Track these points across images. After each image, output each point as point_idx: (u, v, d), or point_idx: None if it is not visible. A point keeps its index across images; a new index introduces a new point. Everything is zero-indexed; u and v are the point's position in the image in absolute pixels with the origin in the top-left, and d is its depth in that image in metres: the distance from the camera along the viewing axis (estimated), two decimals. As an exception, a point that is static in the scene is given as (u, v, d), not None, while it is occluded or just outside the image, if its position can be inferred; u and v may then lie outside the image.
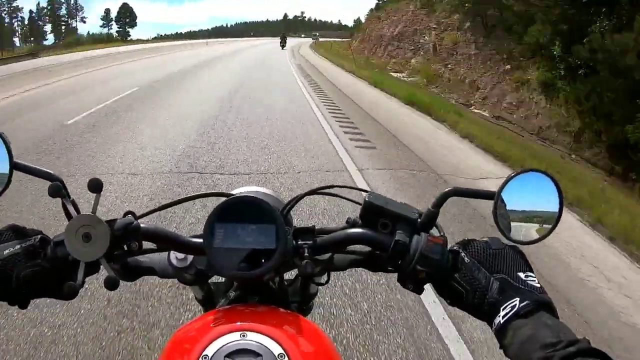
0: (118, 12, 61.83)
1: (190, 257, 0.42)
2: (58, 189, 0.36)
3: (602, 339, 1.41)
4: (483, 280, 0.34)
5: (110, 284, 0.35)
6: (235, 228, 0.38)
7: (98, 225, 0.35)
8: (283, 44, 22.33)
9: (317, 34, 33.16)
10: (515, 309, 0.32)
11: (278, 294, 0.45)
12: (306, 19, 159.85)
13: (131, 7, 63.26)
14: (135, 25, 62.47)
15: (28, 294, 0.36)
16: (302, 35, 32.57)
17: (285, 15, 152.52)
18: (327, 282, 0.46)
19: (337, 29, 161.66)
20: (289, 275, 0.46)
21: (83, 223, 0.35)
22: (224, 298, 0.44)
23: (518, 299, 0.32)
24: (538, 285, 0.34)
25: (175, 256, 0.42)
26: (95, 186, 0.36)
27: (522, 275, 0.34)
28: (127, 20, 61.55)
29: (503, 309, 0.33)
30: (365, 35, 18.28)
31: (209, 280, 0.46)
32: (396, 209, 0.40)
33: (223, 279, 0.47)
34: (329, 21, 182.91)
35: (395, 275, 0.39)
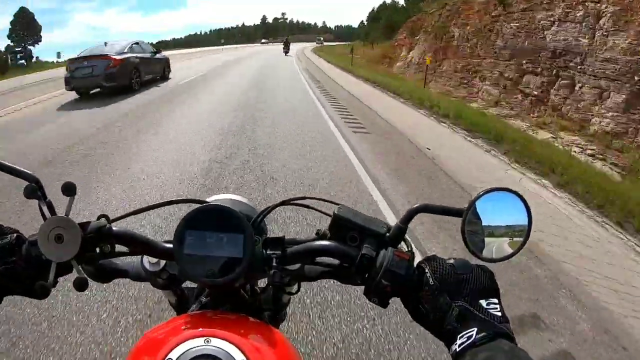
0: (13, 23, 41.79)
1: (163, 262, 0.48)
2: (34, 191, 0.43)
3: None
4: (444, 306, 0.39)
5: (79, 285, 0.42)
6: (205, 236, 0.44)
7: (70, 227, 0.42)
8: (286, 50, 23.71)
9: (322, 37, 34.31)
10: (472, 339, 0.36)
11: (250, 302, 0.52)
12: (287, 20, 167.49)
13: (32, 14, 43.34)
14: (40, 41, 43.01)
15: (1, 291, 0.42)
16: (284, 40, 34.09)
17: (264, 18, 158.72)
18: (297, 291, 0.54)
19: (322, 31, 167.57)
20: (262, 283, 0.52)
21: (56, 225, 0.41)
22: (195, 303, 0.50)
23: (476, 329, 0.37)
24: (499, 314, 0.38)
25: (148, 260, 0.49)
26: (69, 189, 0.43)
27: (484, 303, 0.39)
28: (25, 34, 41.30)
29: (460, 337, 0.37)
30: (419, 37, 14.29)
31: (183, 285, 0.53)
32: (365, 222, 0.46)
33: (196, 285, 0.54)
34: (313, 23, 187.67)
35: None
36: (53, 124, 5.11)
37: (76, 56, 7.04)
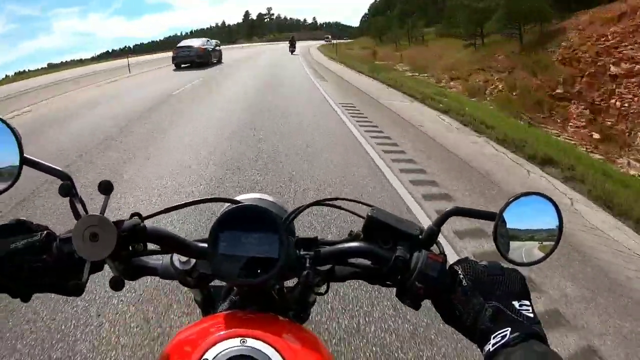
0: None
1: (193, 261, 0.57)
2: (68, 189, 0.51)
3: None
4: (477, 306, 0.46)
5: (116, 284, 0.50)
6: (239, 235, 0.52)
7: (106, 226, 0.48)
8: (292, 49, 28.10)
9: (330, 36, 37.39)
10: (506, 339, 0.43)
11: (277, 301, 0.61)
12: (274, 17, 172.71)
13: None
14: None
15: (31, 288, 0.49)
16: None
17: (247, 14, 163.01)
18: (326, 292, 0.61)
19: (313, 28, 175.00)
20: (288, 283, 0.62)
21: (91, 223, 0.48)
22: (224, 303, 0.60)
23: (509, 329, 0.43)
24: (532, 315, 0.45)
25: (178, 259, 0.58)
26: (106, 188, 0.51)
27: (516, 304, 0.46)
28: None
29: (494, 337, 0.44)
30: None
31: (210, 284, 0.63)
32: (398, 225, 0.55)
33: (224, 283, 0.64)
34: (302, 20, 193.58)
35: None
36: (176, 77, 13.88)
37: (177, 45, 16.81)
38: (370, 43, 44.01)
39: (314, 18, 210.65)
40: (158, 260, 0.63)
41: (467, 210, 0.56)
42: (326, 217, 2.89)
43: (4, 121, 0.52)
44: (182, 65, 16.20)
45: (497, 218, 0.53)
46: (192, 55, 16.22)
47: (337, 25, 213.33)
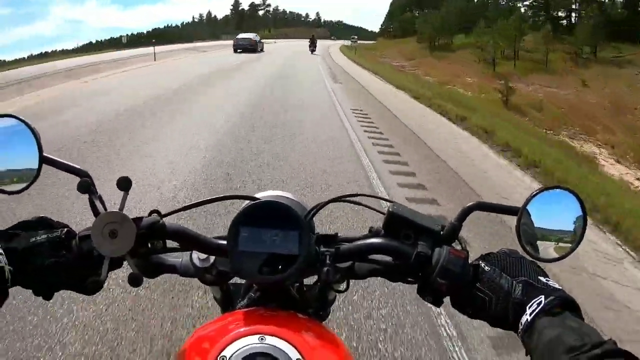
0: None
1: (212, 258, 0.67)
2: (87, 185, 0.61)
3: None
4: (506, 285, 0.56)
5: (135, 281, 0.59)
6: (259, 232, 0.61)
7: (125, 222, 0.57)
8: (313, 48, 33.52)
9: (356, 37, 41.56)
10: (542, 305, 0.52)
11: (296, 299, 0.71)
12: (271, 9, 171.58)
13: None
14: None
15: (50, 285, 0.59)
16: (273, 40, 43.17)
17: (237, 4, 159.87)
18: (346, 289, 0.71)
19: (315, 25, 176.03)
20: (308, 280, 0.72)
21: (110, 220, 0.57)
22: (244, 300, 0.71)
23: (543, 296, 0.53)
24: (560, 288, 0.55)
25: (197, 256, 0.68)
26: (124, 184, 0.60)
27: (542, 279, 0.57)
28: None
29: (529, 307, 0.52)
30: None
31: (229, 282, 0.74)
32: (419, 220, 0.64)
33: (243, 281, 0.74)
34: (303, 15, 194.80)
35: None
36: (234, 57, 26.11)
37: (237, 37, 33.67)
38: (407, 48, 43.05)
39: (317, 14, 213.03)
40: (177, 257, 0.72)
41: (490, 205, 0.66)
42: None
43: (23, 120, 0.62)
44: (238, 50, 30.69)
45: (519, 212, 0.62)
46: (247, 44, 31.02)
47: (339, 24, 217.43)
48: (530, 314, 0.52)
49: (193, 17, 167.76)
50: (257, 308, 0.67)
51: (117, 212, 0.58)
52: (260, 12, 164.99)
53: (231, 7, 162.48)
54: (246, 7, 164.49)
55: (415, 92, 12.84)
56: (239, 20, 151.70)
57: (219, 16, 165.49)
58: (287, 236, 0.62)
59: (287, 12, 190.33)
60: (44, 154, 0.62)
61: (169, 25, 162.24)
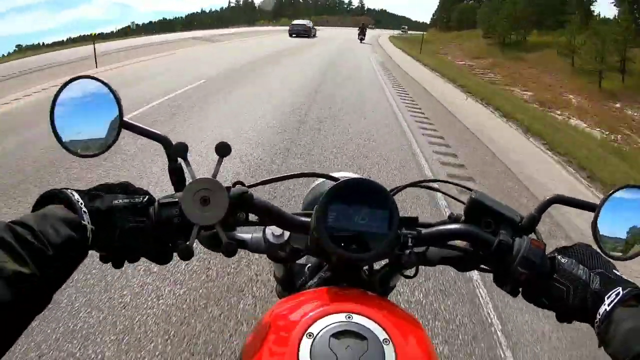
0: None
1: (287, 235, 0.73)
2: (182, 149, 0.65)
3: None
4: (584, 276, 0.62)
5: (230, 252, 0.63)
6: (349, 209, 0.66)
7: (218, 190, 0.60)
8: (362, 37, 35.45)
9: (406, 27, 46.20)
10: (620, 295, 0.57)
11: (366, 281, 0.77)
12: None
13: None
14: None
15: (126, 250, 0.61)
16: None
17: None
18: (415, 275, 0.75)
19: (359, 13, 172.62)
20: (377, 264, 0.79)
21: (203, 187, 0.60)
22: (312, 279, 0.77)
23: (620, 287, 0.58)
24: (633, 282, 0.61)
25: (271, 232, 0.73)
26: (223, 150, 0.63)
27: (617, 272, 0.63)
28: None
29: (608, 297, 0.58)
30: None
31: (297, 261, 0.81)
32: (501, 209, 0.70)
33: (310, 261, 0.84)
34: (346, 2, 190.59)
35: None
36: (291, 42, 31.55)
37: (292, 23, 41.80)
38: (470, 43, 38.15)
39: (360, 1, 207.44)
40: (247, 233, 0.76)
41: (569, 199, 0.71)
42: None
43: (106, 83, 0.65)
44: (293, 35, 37.54)
45: (597, 209, 0.66)
46: (301, 30, 37.70)
47: (383, 13, 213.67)
48: (609, 304, 0.57)
49: (229, 2, 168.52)
50: (334, 287, 0.70)
51: (211, 178, 0.61)
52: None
53: None
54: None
55: (528, 124, 9.21)
56: (277, 6, 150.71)
57: (257, 1, 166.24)
58: (377, 215, 0.66)
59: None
60: (124, 119, 0.66)
61: (210, 10, 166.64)
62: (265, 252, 0.75)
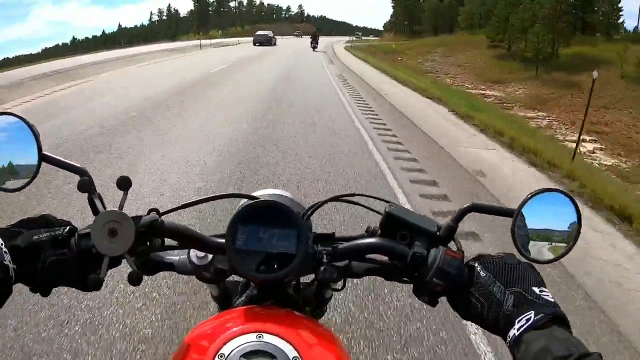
0: None
1: (210, 256, 0.86)
2: (87, 184, 0.75)
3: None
4: (498, 294, 0.70)
5: (135, 279, 0.74)
6: (257, 231, 0.77)
7: (124, 221, 0.71)
8: (314, 45, 40.56)
9: (360, 33, 55.55)
10: (530, 321, 0.64)
11: (294, 297, 0.92)
12: (245, 2, 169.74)
13: None
14: None
15: (51, 282, 0.74)
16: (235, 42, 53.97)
17: None
18: (342, 288, 0.90)
19: (298, 20, 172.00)
20: (305, 279, 0.92)
21: (110, 219, 0.71)
22: (241, 298, 0.91)
23: (533, 312, 0.65)
24: (552, 300, 0.69)
25: (195, 254, 0.86)
26: (124, 184, 0.74)
27: (536, 290, 0.70)
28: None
29: (518, 322, 0.65)
30: None
31: (227, 279, 0.95)
32: (416, 221, 0.81)
33: (240, 279, 0.96)
34: (284, 8, 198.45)
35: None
36: (253, 50, 42.72)
37: (256, 33, 56.26)
38: (471, 56, 31.55)
39: (299, 7, 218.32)
40: (175, 255, 0.86)
41: (485, 206, 0.78)
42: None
43: (22, 118, 0.72)
44: (256, 44, 50.67)
45: (515, 214, 0.74)
46: (264, 40, 49.64)
47: (323, 19, 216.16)
48: (519, 329, 0.62)
49: (151, 13, 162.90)
50: (255, 306, 0.81)
51: (117, 211, 0.70)
52: (233, 4, 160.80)
53: (195, 3, 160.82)
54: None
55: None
56: (200, 16, 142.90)
57: (182, 11, 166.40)
58: (285, 235, 0.74)
59: (265, 4, 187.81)
60: (44, 152, 0.73)
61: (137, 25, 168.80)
62: (192, 273, 0.84)
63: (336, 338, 0.78)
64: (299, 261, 0.73)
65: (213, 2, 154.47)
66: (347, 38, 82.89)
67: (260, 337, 0.64)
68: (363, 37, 65.83)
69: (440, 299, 0.73)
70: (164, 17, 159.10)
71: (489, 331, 0.69)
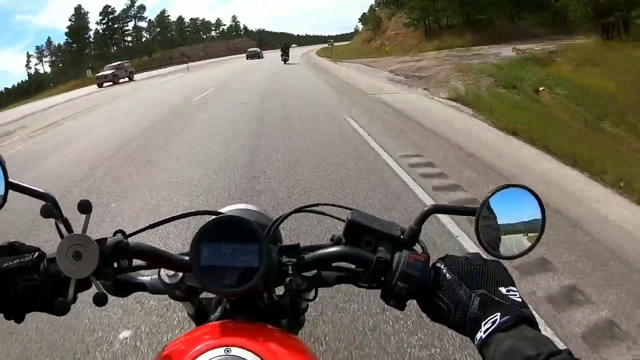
0: None
1: (180, 274, 0.94)
2: (50, 210, 0.84)
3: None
4: (464, 297, 0.76)
5: (99, 300, 0.82)
6: (221, 247, 0.86)
7: (88, 244, 0.80)
8: (285, 57, 45.16)
9: (332, 40, 68.52)
10: (496, 324, 0.70)
11: (267, 310, 1.00)
12: (154, 19, 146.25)
13: None
14: None
15: (23, 308, 0.83)
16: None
17: (80, 14, 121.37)
18: (314, 298, 0.96)
19: (236, 35, 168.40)
20: (280, 291, 0.98)
21: (74, 242, 0.80)
22: (216, 313, 1.01)
23: (499, 314, 0.71)
24: (519, 299, 0.75)
25: (165, 273, 0.94)
26: (85, 207, 0.85)
27: (503, 290, 0.77)
28: None
29: (484, 324, 0.71)
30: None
31: (201, 296, 1.04)
32: (378, 226, 0.89)
33: (214, 295, 1.05)
34: (212, 23, 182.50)
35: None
36: (245, 64, 59.87)
37: (248, 50, 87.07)
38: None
39: (233, 18, 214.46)
40: (147, 275, 0.98)
41: (447, 207, 0.91)
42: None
43: None
44: (248, 59, 72.47)
45: (478, 213, 0.84)
46: (254, 54, 75.48)
47: (263, 32, 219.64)
48: (485, 332, 0.70)
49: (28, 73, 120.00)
50: (227, 321, 0.91)
51: (80, 234, 0.81)
52: (136, 25, 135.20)
53: (71, 21, 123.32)
54: (98, 18, 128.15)
55: None
56: (73, 52, 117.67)
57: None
58: (247, 249, 0.85)
59: (187, 20, 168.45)
60: (9, 180, 0.85)
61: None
62: (164, 293, 0.95)
63: (307, 348, 0.89)
64: (262, 274, 0.82)
65: (102, 22, 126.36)
66: (301, 49, 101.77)
67: (228, 351, 0.73)
68: (297, 47, 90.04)
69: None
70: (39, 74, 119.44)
71: (457, 332, 0.76)
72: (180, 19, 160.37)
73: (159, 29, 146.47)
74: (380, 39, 57.16)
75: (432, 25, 50.31)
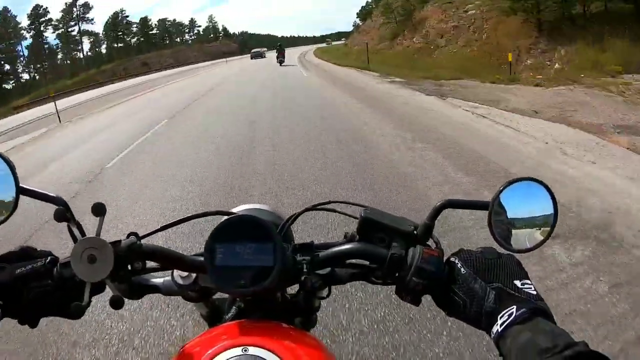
0: None
1: (194, 275, 0.98)
2: (63, 214, 0.86)
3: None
4: (480, 291, 0.79)
5: (115, 304, 0.84)
6: (235, 247, 0.89)
7: (102, 247, 0.83)
8: (281, 59, 45.92)
9: (330, 39, 63.53)
10: (513, 316, 0.73)
11: (281, 308, 1.04)
12: (149, 21, 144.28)
13: None
14: None
15: (37, 313, 0.87)
16: None
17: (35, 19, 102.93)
18: (328, 295, 1.03)
19: (214, 38, 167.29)
20: (293, 290, 1.04)
21: (88, 245, 0.83)
22: (229, 313, 1.03)
23: (515, 307, 0.74)
24: (534, 292, 0.78)
25: (179, 274, 0.99)
26: (99, 210, 0.88)
27: (518, 283, 0.80)
28: None
29: (500, 317, 0.74)
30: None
31: (214, 297, 1.09)
32: (392, 222, 0.93)
33: (227, 295, 1.09)
34: (185, 24, 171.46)
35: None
36: (249, 63, 68.39)
37: (252, 50, 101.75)
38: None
39: (210, 18, 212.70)
40: (160, 277, 1.03)
41: (460, 201, 0.93)
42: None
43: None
44: (253, 58, 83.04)
45: (490, 206, 0.87)
46: (258, 55, 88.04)
47: (245, 34, 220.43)
48: (502, 325, 0.74)
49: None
50: (243, 320, 0.94)
51: (95, 237, 0.84)
52: (80, 30, 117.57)
53: (30, 18, 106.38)
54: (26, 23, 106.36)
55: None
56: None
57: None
58: (262, 249, 0.89)
59: (154, 22, 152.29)
60: (21, 185, 0.89)
61: None
62: (178, 294, 1.01)
63: (324, 347, 0.92)
64: (277, 273, 0.87)
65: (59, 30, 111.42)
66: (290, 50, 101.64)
67: (245, 350, 0.78)
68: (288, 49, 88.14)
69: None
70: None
71: (472, 326, 0.80)
72: (145, 20, 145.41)
73: (112, 34, 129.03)
74: (414, 34, 35.40)
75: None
